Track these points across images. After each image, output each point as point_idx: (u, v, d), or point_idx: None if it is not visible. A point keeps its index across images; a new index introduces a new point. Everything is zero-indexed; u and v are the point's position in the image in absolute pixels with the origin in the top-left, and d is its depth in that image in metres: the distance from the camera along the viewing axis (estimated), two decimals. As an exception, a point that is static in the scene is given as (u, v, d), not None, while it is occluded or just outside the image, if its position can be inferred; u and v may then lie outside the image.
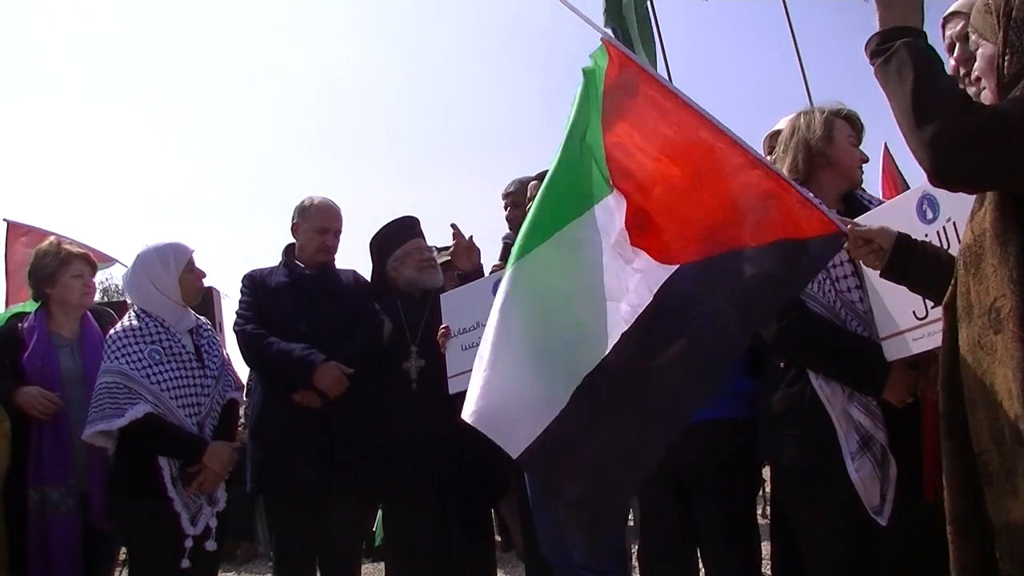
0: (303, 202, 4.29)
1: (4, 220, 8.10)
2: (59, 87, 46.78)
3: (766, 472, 3.42)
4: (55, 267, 3.99)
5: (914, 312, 2.46)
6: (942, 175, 1.73)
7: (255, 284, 4.18)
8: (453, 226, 4.13)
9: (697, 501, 3.20)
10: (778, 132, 3.37)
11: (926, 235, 2.39)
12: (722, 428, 3.09)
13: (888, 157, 7.64)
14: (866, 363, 2.67)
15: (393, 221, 4.36)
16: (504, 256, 4.05)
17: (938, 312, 2.31)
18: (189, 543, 3.53)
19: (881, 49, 1.87)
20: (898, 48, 1.82)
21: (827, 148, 2.96)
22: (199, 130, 51.03)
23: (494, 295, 3.49)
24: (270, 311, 4.08)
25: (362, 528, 4.09)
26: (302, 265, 4.23)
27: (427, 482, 3.88)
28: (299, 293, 4.12)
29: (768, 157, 3.53)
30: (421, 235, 4.31)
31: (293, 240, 4.32)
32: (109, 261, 7.50)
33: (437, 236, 4.29)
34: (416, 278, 4.19)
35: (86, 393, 3.76)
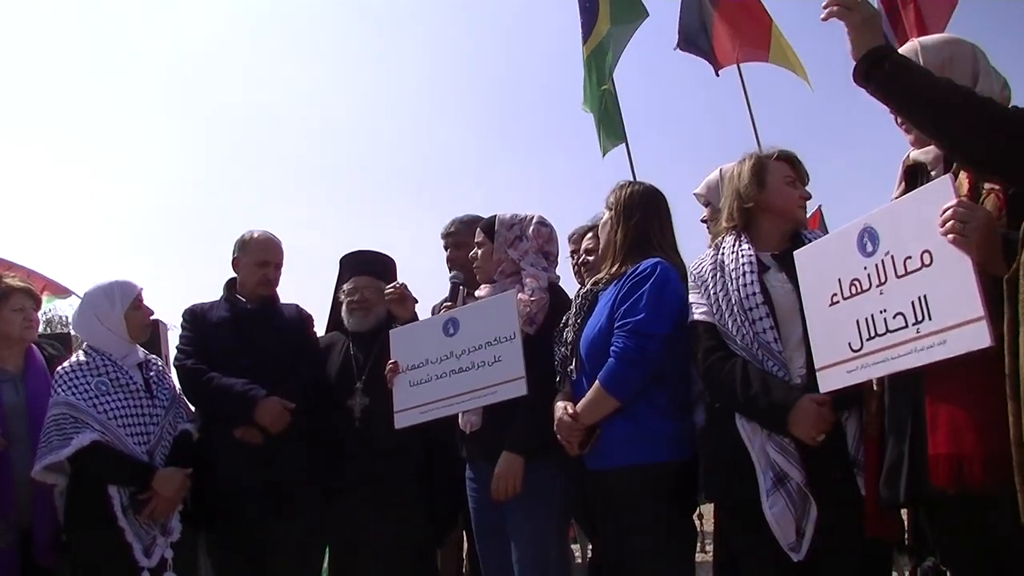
0: (243, 236, 4.25)
1: None
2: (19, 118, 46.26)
3: (707, 509, 3.43)
4: None
5: (849, 344, 2.48)
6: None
7: (196, 319, 4.16)
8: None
9: (624, 545, 3.17)
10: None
11: (865, 267, 2.42)
12: (643, 473, 3.07)
13: (818, 220, 7.64)
14: (769, 402, 2.71)
15: (356, 252, 4.35)
16: (452, 296, 4.05)
17: (872, 344, 2.39)
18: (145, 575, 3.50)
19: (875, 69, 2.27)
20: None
21: (759, 195, 3.00)
22: (144, 161, 50.39)
23: (445, 334, 3.57)
24: (211, 346, 4.04)
25: (306, 564, 4.04)
26: (244, 299, 4.20)
27: (369, 520, 3.86)
28: (240, 327, 4.09)
29: (705, 211, 3.61)
30: (377, 275, 4.24)
31: (234, 275, 4.29)
32: (67, 293, 7.51)
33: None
34: (345, 318, 4.20)
35: (30, 427, 3.77)
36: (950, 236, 2.13)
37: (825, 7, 2.34)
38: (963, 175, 2.33)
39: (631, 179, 3.66)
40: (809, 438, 2.67)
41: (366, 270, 4.26)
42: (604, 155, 8.83)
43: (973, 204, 2.18)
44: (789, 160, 3.10)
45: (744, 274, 2.87)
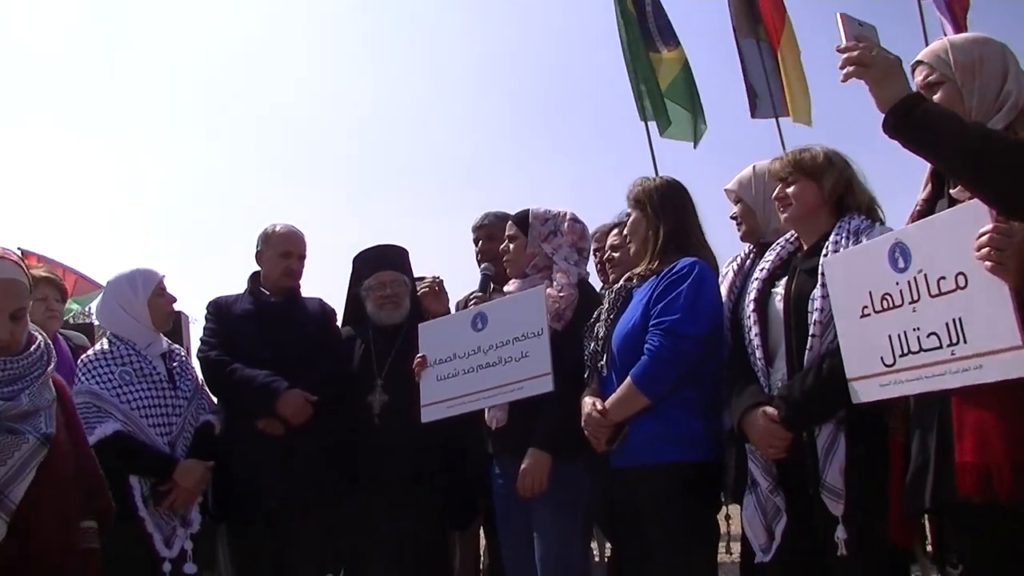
0: (266, 229, 4.28)
1: (18, 249, 8.19)
2: (55, 118, 46.16)
3: (735, 510, 3.42)
4: None
5: (882, 359, 2.44)
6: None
7: (220, 311, 4.18)
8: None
9: (645, 542, 3.15)
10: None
11: (896, 283, 2.39)
12: (666, 470, 3.07)
13: None
14: (733, 410, 2.86)
15: (374, 248, 4.33)
16: (484, 288, 4.04)
17: (905, 361, 2.36)
18: (168, 567, 3.50)
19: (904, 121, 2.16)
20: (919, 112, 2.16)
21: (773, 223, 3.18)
22: (171, 155, 50.09)
23: (473, 328, 3.55)
24: (235, 338, 4.06)
25: (323, 558, 4.05)
26: (267, 292, 4.22)
27: (386, 516, 3.86)
28: (264, 320, 4.11)
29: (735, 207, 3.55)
30: (397, 268, 4.23)
31: (259, 268, 4.31)
32: (99, 288, 7.54)
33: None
34: (375, 314, 4.15)
35: (52, 416, 3.75)
36: (987, 264, 2.09)
37: (841, 67, 2.26)
38: None
39: (651, 175, 3.62)
40: (762, 450, 2.76)
41: (388, 264, 4.23)
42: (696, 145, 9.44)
43: (1009, 228, 2.11)
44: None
45: (754, 280, 2.98)
